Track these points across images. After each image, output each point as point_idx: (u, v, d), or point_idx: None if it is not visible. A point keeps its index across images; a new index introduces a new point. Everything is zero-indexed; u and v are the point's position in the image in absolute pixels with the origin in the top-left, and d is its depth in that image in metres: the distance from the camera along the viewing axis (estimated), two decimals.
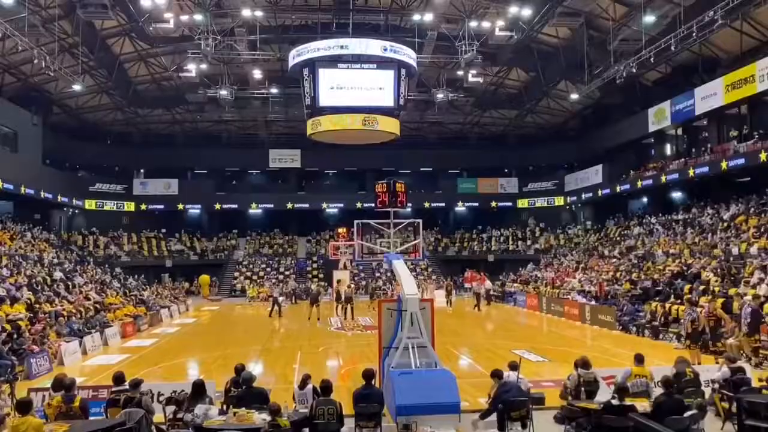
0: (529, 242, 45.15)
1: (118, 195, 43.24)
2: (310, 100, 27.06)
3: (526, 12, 27.06)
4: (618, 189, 36.39)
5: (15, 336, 15.33)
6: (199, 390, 8.54)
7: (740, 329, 14.94)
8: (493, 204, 46.54)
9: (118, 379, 8.91)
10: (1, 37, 23.24)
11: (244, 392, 8.74)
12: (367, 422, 8.40)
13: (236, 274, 42.96)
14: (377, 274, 40.95)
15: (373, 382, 8.82)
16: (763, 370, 13.37)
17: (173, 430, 8.54)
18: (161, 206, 44.29)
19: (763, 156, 24.02)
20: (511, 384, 8.81)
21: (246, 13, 27.36)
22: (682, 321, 16.64)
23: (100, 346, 19.05)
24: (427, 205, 45.37)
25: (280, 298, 30.60)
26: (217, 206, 45.22)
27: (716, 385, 9.54)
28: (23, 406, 7.34)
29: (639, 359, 9.57)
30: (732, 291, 18.12)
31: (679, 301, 19.66)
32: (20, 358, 14.30)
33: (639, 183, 34.08)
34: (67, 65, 28.24)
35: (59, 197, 36.76)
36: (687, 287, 20.49)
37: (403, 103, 28.54)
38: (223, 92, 33.86)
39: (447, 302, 30.56)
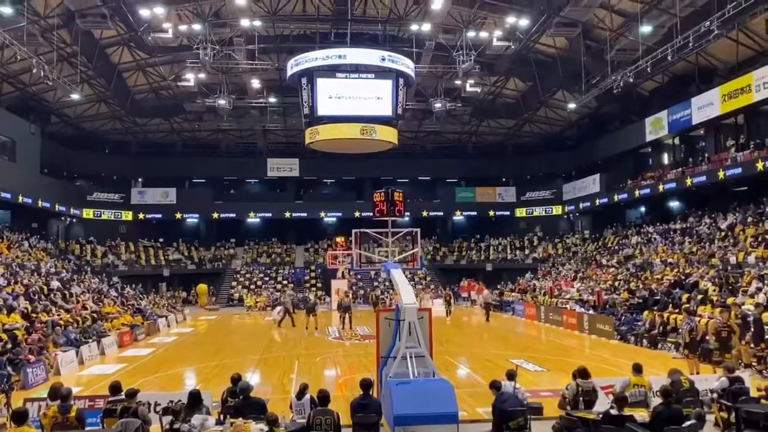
0: (527, 251, 45.16)
1: (115, 204, 43.19)
2: (309, 110, 27.17)
3: (524, 22, 27.19)
4: (616, 198, 36.45)
5: (11, 346, 15.27)
6: (195, 400, 8.50)
7: (740, 339, 14.95)
8: (491, 213, 46.55)
9: (115, 388, 8.86)
10: (0, 46, 23.29)
11: (242, 402, 8.69)
12: None
13: (234, 283, 42.90)
14: (375, 283, 40.90)
15: (370, 392, 8.78)
16: (764, 378, 13.37)
17: None
18: (159, 215, 44.22)
19: (759, 165, 24.11)
20: (508, 394, 8.77)
21: (245, 22, 27.45)
22: (680, 330, 16.63)
23: (97, 355, 18.97)
24: (425, 213, 45.38)
25: (278, 308, 30.53)
26: (215, 215, 45.16)
27: (715, 395, 9.53)
28: (19, 417, 7.29)
29: (637, 369, 9.55)
30: (730, 300, 18.13)
31: (677, 310, 19.66)
32: (16, 367, 14.23)
33: (637, 192, 34.13)
34: (65, 74, 28.30)
35: (57, 206, 36.72)
36: (685, 296, 20.50)
37: (401, 112, 28.66)
38: (222, 101, 33.93)
39: (446, 312, 30.46)
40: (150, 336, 24.85)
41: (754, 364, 14.40)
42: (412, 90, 32.59)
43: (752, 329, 14.67)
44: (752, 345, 14.59)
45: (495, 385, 8.93)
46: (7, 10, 23.02)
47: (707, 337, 15.48)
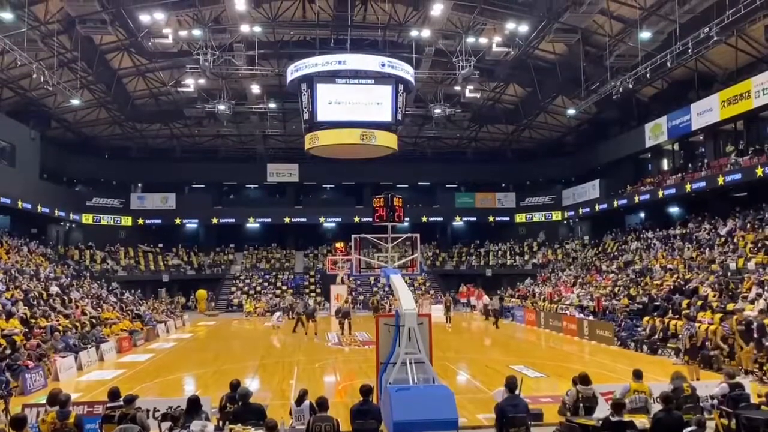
0: (526, 257, 45.14)
1: (115, 209, 43.18)
2: (308, 115, 27.21)
3: (523, 28, 27.25)
4: (615, 204, 36.46)
5: (10, 351, 15.23)
6: (194, 406, 8.47)
7: (745, 344, 14.93)
8: (491, 218, 46.57)
9: (113, 394, 8.84)
10: (0, 51, 23.30)
11: (241, 408, 8.66)
12: None
13: (233, 288, 42.84)
14: (375, 289, 40.86)
15: (370, 398, 8.75)
16: (765, 384, 13.34)
17: None
18: (158, 220, 44.22)
19: (759, 171, 24.12)
20: (520, 399, 8.67)
21: (245, 28, 27.49)
22: (680, 336, 16.61)
23: (95, 361, 18.93)
24: (424, 219, 45.42)
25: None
26: (215, 220, 45.18)
27: (715, 401, 9.50)
28: (17, 423, 7.25)
29: (637, 375, 9.51)
30: (730, 306, 18.12)
31: (677, 316, 19.63)
32: (15, 373, 14.18)
33: (636, 198, 34.15)
34: (65, 80, 28.31)
35: (56, 211, 36.70)
36: (685, 302, 20.45)
37: (401, 117, 28.72)
38: (222, 107, 33.95)
39: (446, 318, 30.37)
40: (149, 342, 24.78)
41: (755, 370, 14.38)
42: (411, 95, 32.64)
43: (756, 336, 14.65)
44: (755, 351, 14.56)
45: (510, 387, 8.79)
46: (8, 16, 23.06)
47: (707, 344, 15.48)
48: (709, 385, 10.75)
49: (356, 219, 42.74)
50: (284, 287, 42.70)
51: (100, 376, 16.70)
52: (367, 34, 30.73)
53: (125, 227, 43.78)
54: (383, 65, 26.94)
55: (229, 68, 30.80)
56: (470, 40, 28.78)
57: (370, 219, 13.49)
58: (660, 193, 31.77)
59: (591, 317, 25.04)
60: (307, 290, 42.58)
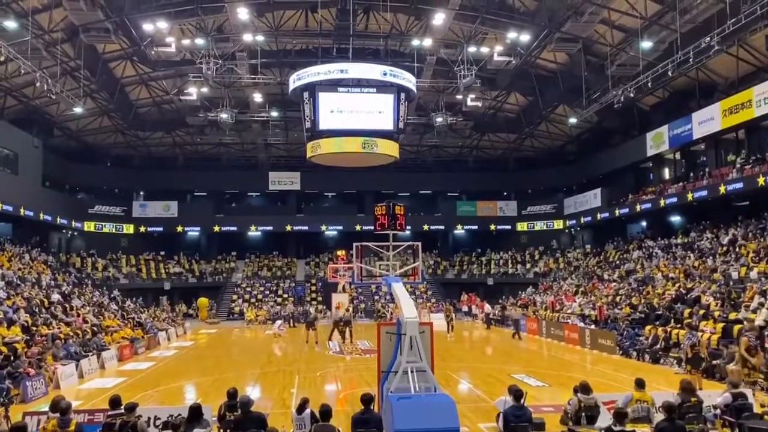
0: (528, 265, 45.09)
1: (117, 217, 43.24)
2: (310, 124, 27.24)
3: (525, 38, 27.34)
4: (617, 212, 36.44)
5: (11, 359, 15.21)
6: (195, 414, 8.45)
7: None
8: (492, 227, 46.57)
9: (114, 402, 8.82)
10: (3, 60, 23.42)
11: (242, 417, 8.63)
12: None
13: (234, 296, 42.81)
14: (376, 297, 40.80)
15: (371, 407, 8.72)
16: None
17: None
18: (160, 228, 44.27)
19: (761, 180, 24.11)
20: (525, 409, 8.62)
21: (247, 37, 27.61)
22: (682, 345, 16.54)
23: (96, 369, 18.89)
24: (426, 227, 45.44)
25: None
26: (216, 228, 45.22)
27: (718, 411, 9.45)
28: (18, 431, 7.25)
29: (640, 384, 9.47)
30: (732, 315, 18.06)
31: (679, 325, 19.58)
32: (16, 381, 14.16)
33: (638, 207, 34.14)
34: (68, 88, 28.42)
35: (58, 219, 36.77)
36: (687, 311, 20.40)
37: (403, 126, 28.72)
38: (224, 115, 34.07)
39: (448, 328, 30.25)
40: (150, 349, 24.75)
41: (759, 379, 14.30)
42: (413, 104, 32.73)
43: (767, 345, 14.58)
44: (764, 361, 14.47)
45: (516, 395, 8.68)
46: (12, 25, 23.19)
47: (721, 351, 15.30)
48: (712, 394, 10.71)
49: (357, 227, 42.74)
50: (285, 295, 42.67)
51: (101, 384, 16.66)
52: (369, 43, 30.86)
53: (127, 235, 43.84)
54: (385, 74, 26.98)
55: (232, 77, 30.94)
56: (472, 49, 28.89)
57: (372, 227, 13.44)
58: (662, 202, 31.77)
59: (593, 326, 24.96)
60: (308, 298, 42.54)
